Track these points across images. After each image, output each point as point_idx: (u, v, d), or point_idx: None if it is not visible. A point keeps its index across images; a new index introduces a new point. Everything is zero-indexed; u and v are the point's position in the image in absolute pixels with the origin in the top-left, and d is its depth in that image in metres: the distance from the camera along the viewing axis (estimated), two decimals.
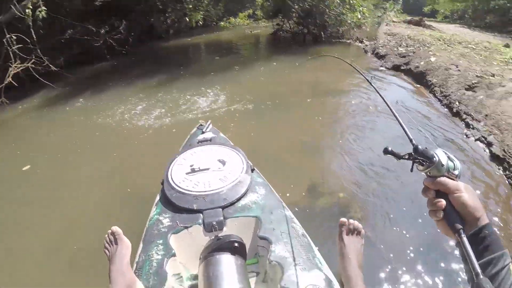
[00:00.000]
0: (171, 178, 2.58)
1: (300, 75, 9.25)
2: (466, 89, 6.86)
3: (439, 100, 7.07)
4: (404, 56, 9.65)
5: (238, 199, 2.42)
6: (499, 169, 4.78)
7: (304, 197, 4.04)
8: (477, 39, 12.44)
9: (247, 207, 2.38)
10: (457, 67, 7.85)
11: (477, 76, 7.21)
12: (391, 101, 6.82)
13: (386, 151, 1.13)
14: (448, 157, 1.12)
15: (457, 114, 6.35)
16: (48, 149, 5.68)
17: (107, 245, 2.10)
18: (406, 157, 1.12)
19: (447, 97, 6.89)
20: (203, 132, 3.41)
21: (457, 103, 6.55)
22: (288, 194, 3.94)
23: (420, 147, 1.09)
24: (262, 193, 2.51)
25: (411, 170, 1.14)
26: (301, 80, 8.79)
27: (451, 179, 1.07)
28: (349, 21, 13.37)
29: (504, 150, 4.97)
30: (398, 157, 1.14)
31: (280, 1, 14.60)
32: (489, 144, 5.24)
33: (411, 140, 1.15)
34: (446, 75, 7.65)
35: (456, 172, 1.10)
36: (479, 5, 23.51)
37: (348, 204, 3.96)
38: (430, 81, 7.84)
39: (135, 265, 2.02)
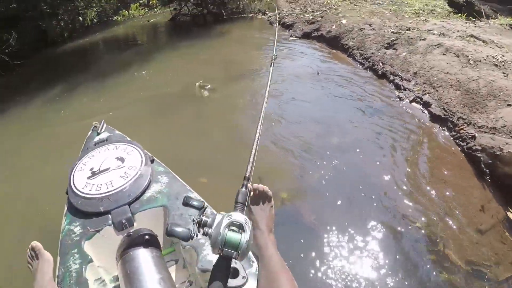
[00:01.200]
0: (74, 186, 2.49)
1: (206, 57, 8.60)
2: (386, 48, 6.48)
3: (360, 63, 6.62)
4: (313, 22, 9.11)
5: (143, 192, 2.42)
6: (443, 130, 4.45)
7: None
8: None
9: (153, 198, 2.40)
10: (371, 26, 7.44)
11: (393, 32, 6.84)
12: (312, 72, 6.35)
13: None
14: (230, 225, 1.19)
15: (383, 76, 5.94)
16: None
17: (29, 260, 2.08)
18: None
19: (369, 59, 6.46)
20: (98, 134, 3.31)
21: (380, 64, 6.13)
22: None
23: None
24: (165, 182, 2.54)
25: None
26: (208, 63, 8.08)
27: None
28: None
29: (444, 109, 4.60)
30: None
31: None
32: (426, 105, 4.87)
33: None
34: (362, 35, 7.22)
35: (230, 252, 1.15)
36: None
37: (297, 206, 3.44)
38: (346, 44, 7.37)
39: (56, 279, 1.96)
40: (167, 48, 10.73)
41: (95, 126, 3.45)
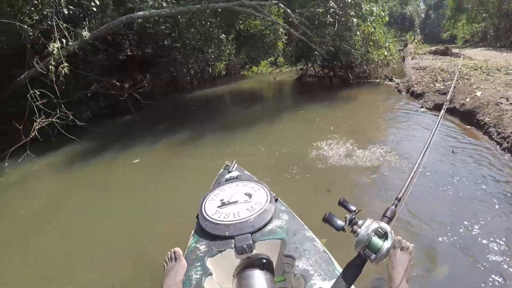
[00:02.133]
0: (205, 212, 2.88)
1: (332, 121, 8.82)
2: None
3: (498, 143, 6.34)
4: (444, 93, 9.03)
5: (265, 225, 2.71)
6: None
7: None
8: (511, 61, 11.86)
9: (273, 231, 2.66)
10: (508, 100, 7.17)
11: None
12: (446, 149, 6.29)
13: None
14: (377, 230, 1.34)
15: None
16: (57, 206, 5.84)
17: (167, 259, 2.45)
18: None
19: (507, 139, 6.18)
20: (229, 172, 3.74)
21: None
22: None
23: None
24: (286, 219, 2.81)
25: None
26: (334, 128, 8.28)
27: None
28: (375, 59, 13.02)
29: None
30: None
31: (303, 45, 14.32)
32: None
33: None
34: (499, 111, 6.95)
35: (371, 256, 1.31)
36: (501, 22, 22.97)
37: None
38: (481, 120, 7.15)
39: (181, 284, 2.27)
40: (292, 108, 11.14)
41: (226, 165, 3.94)
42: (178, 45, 13.54)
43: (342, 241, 3.01)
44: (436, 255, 3.68)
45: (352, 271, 1.41)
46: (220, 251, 2.52)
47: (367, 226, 1.40)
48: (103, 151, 8.29)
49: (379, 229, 1.40)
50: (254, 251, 2.53)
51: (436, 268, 3.50)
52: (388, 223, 1.57)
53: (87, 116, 10.30)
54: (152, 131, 9.46)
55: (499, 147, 6.27)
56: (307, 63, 15.82)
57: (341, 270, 2.08)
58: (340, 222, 1.57)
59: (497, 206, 4.47)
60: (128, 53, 12.86)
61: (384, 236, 1.39)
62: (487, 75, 9.74)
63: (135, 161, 7.41)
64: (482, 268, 3.40)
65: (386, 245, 1.35)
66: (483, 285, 3.19)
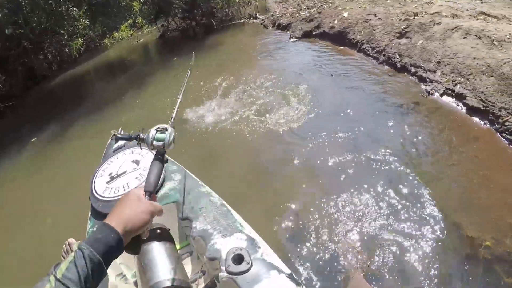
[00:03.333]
0: (95, 191, 2.68)
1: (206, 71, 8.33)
2: (399, 38, 6.17)
3: (374, 57, 6.35)
4: (311, 20, 8.81)
5: (157, 191, 2.46)
6: (484, 123, 4.10)
7: None
8: None
9: (166, 195, 2.54)
10: (376, 16, 7.12)
11: (401, 20, 6.50)
12: (324, 74, 6.06)
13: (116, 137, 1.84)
14: (157, 129, 1.62)
15: (403, 69, 5.66)
16: None
17: (63, 253, 2.26)
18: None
19: (383, 52, 6.17)
20: (116, 141, 3.40)
21: (397, 56, 5.85)
22: None
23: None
24: (178, 179, 2.68)
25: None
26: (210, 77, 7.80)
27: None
28: (236, 0, 12.57)
29: (482, 100, 4.26)
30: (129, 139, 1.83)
31: (159, 0, 13.39)
32: (460, 97, 4.53)
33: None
34: (369, 27, 6.91)
35: (159, 143, 1.59)
36: None
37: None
38: (353, 39, 7.08)
39: None
40: (160, 68, 10.51)
41: (113, 135, 3.55)
42: (23, 31, 11.95)
43: None
44: None
45: (156, 161, 1.58)
46: None
47: (150, 131, 1.62)
48: None
49: (159, 129, 1.62)
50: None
51: None
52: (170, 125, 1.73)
53: None
54: (18, 137, 8.30)
55: (376, 61, 6.30)
56: (167, 18, 14.90)
57: (242, 221, 2.23)
58: (129, 136, 1.82)
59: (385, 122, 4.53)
60: None
61: (165, 129, 1.62)
62: None
63: None
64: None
65: (167, 134, 1.61)
66: None
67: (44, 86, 13.38)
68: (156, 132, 1.61)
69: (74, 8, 13.14)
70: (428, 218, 3.10)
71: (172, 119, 1.83)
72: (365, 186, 3.57)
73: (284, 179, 4.06)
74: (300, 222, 3.38)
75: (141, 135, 1.67)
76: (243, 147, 4.87)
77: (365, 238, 3.06)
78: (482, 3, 6.61)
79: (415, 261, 2.80)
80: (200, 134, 5.46)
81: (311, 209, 3.47)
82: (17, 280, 3.77)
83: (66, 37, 14.41)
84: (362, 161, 3.93)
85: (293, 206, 3.60)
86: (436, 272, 2.70)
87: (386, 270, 2.79)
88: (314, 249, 3.06)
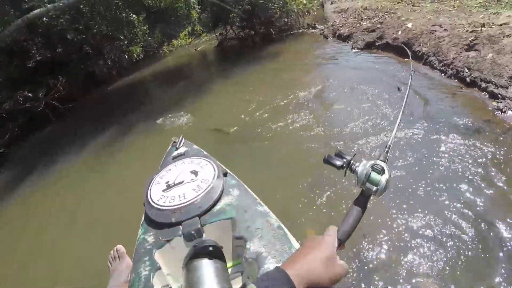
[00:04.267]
0: (150, 198, 2.65)
1: (259, 83, 8.55)
2: (467, 50, 6.07)
3: (441, 71, 6.28)
4: (373, 31, 8.82)
5: (213, 205, 2.49)
6: None
7: None
8: None
9: (222, 210, 2.46)
10: (441, 27, 7.05)
11: (468, 31, 6.42)
12: (391, 88, 6.08)
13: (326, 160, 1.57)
14: (373, 167, 1.41)
15: (473, 84, 5.55)
16: None
17: (111, 259, 2.31)
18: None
19: (450, 66, 6.10)
20: (177, 148, 3.47)
21: (466, 70, 5.74)
22: None
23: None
24: (236, 194, 2.59)
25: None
26: (268, 88, 7.94)
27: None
28: (295, 9, 12.67)
29: None
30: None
31: (217, 9, 13.69)
32: None
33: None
34: (435, 39, 6.84)
35: (371, 187, 1.38)
36: None
37: None
38: (419, 51, 7.03)
39: (127, 284, 2.12)
40: (218, 77, 10.79)
41: (174, 142, 3.61)
42: (85, 36, 12.51)
43: None
44: None
45: (358, 206, 1.43)
46: (168, 241, 2.35)
47: (364, 164, 1.45)
48: (27, 177, 7.43)
49: (375, 165, 1.44)
50: (204, 236, 2.37)
51: None
52: (383, 160, 1.55)
53: (6, 141, 9.33)
54: (76, 137, 8.69)
55: (443, 74, 6.25)
56: (225, 27, 15.21)
57: (297, 246, 2.11)
58: (339, 162, 1.56)
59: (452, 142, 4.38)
60: (38, 58, 11.60)
61: (381, 171, 1.43)
62: (413, 5, 9.56)
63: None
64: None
65: (384, 177, 1.40)
66: None
67: (103, 91, 13.95)
68: (372, 170, 1.43)
69: (134, 15, 13.50)
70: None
71: (387, 158, 1.63)
72: (432, 204, 3.57)
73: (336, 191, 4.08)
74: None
75: (354, 165, 1.50)
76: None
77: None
78: None
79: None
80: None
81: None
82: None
83: (126, 42, 14.79)
84: (431, 177, 3.90)
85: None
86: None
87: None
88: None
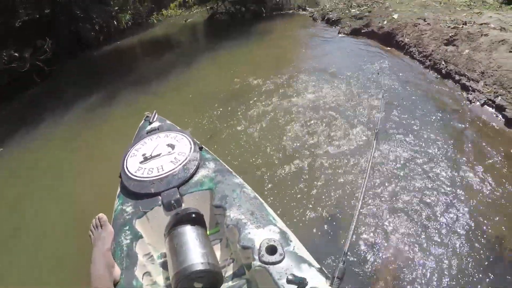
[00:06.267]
0: (127, 170, 2.76)
1: (250, 57, 8.71)
2: (446, 44, 6.39)
3: (420, 61, 6.60)
4: (361, 18, 9.07)
5: (191, 176, 2.65)
6: None
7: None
8: None
9: (200, 182, 2.61)
10: (425, 21, 7.34)
11: (450, 27, 6.73)
12: (371, 72, 6.35)
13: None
14: None
15: (448, 76, 5.89)
16: None
17: (92, 229, 2.28)
18: None
19: (429, 57, 6.43)
20: (150, 123, 3.61)
21: (443, 62, 6.09)
22: None
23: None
24: (212, 167, 2.76)
25: None
26: (255, 63, 8.16)
27: None
28: None
29: None
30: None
31: None
32: (500, 108, 4.73)
33: None
34: (417, 31, 7.14)
35: None
36: None
37: None
38: (401, 41, 7.34)
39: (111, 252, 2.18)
40: (205, 51, 10.70)
41: (147, 116, 3.77)
42: None
43: None
44: None
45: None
46: (148, 211, 2.46)
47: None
48: (12, 135, 7.30)
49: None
50: (183, 205, 2.50)
51: None
52: (339, 285, 1.63)
53: None
54: (61, 101, 8.55)
55: (422, 65, 6.56)
56: (216, 0, 15.19)
57: (274, 214, 2.30)
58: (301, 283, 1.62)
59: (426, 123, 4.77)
60: (25, 18, 11.32)
61: None
62: None
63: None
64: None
65: None
66: None
67: (89, 55, 13.62)
68: None
69: None
70: (463, 224, 3.25)
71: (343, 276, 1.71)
72: (404, 186, 3.80)
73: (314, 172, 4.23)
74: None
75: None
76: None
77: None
78: None
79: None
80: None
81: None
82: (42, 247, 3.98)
83: (116, 8, 14.59)
84: (402, 159, 4.18)
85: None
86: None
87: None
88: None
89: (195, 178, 2.66)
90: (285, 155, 4.58)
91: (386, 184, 3.84)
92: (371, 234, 3.28)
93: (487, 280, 2.74)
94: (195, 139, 3.08)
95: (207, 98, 6.57)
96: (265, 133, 5.14)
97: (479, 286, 2.71)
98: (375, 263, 3.02)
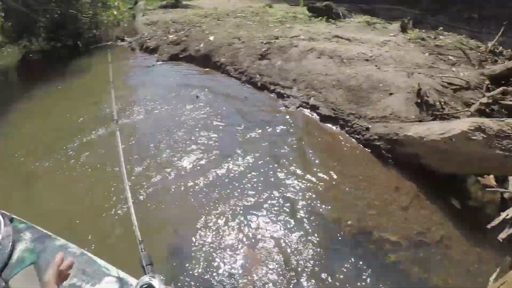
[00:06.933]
0: None
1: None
2: (260, 59, 6.46)
3: (237, 78, 6.50)
4: (178, 43, 8.79)
5: (10, 256, 2.28)
6: (336, 128, 4.72)
7: None
8: (238, 6, 12.47)
9: (21, 259, 2.27)
10: (240, 40, 7.36)
11: (263, 43, 6.83)
12: (191, 99, 5.96)
13: None
14: None
15: (263, 88, 5.91)
16: None
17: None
18: None
19: (245, 73, 6.39)
20: None
21: (258, 76, 6.10)
22: None
23: None
24: (29, 237, 2.44)
25: None
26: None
27: None
28: (105, 21, 12.15)
29: (333, 109, 4.83)
30: None
31: (23, 16, 12.41)
32: (314, 108, 5.04)
33: None
34: (233, 50, 7.11)
35: None
36: None
37: None
38: (218, 61, 7.17)
39: None
40: (19, 99, 9.48)
41: None
42: None
43: None
44: None
45: None
46: None
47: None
48: None
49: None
50: None
51: None
52: (152, 271, 1.57)
53: None
54: None
55: (239, 81, 6.44)
56: (30, 38, 13.90)
57: (107, 264, 2.15)
58: None
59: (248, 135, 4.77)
60: None
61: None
62: (218, 20, 9.90)
63: None
64: None
65: None
66: None
67: None
68: None
69: None
70: (294, 208, 3.54)
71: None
72: (233, 191, 3.81)
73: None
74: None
75: None
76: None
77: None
78: (336, 27, 7.35)
79: (291, 247, 3.17)
80: None
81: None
82: None
83: None
84: (230, 171, 4.11)
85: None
86: (308, 252, 3.13)
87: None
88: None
89: (15, 256, 2.28)
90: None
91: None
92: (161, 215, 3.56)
93: (333, 251, 3.15)
94: (3, 211, 2.60)
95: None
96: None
97: (324, 256, 3.08)
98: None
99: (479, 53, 6.53)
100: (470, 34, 7.80)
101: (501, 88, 4.89)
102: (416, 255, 3.17)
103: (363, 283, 2.92)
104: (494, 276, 2.93)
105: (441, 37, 7.08)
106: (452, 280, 3.07)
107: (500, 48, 6.70)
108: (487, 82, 5.30)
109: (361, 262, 3.06)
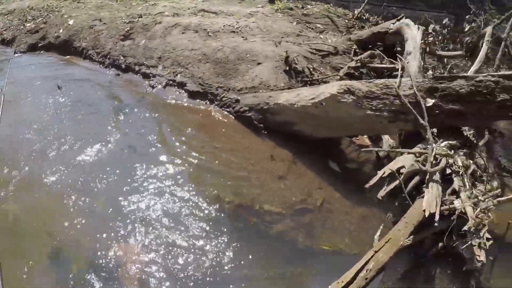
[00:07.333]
0: None
1: None
2: (123, 40, 6.06)
3: (100, 62, 6.04)
4: (36, 31, 7.96)
5: None
6: (206, 103, 4.62)
7: None
8: None
9: None
10: (101, 21, 6.82)
11: (126, 22, 6.43)
12: (52, 89, 5.37)
13: None
14: None
15: (128, 69, 5.59)
16: None
17: None
18: None
19: (108, 56, 5.96)
20: None
21: (121, 57, 5.73)
22: None
23: None
24: None
25: None
26: None
27: None
28: None
29: (200, 84, 4.71)
30: None
31: None
32: (181, 85, 4.87)
33: None
34: (94, 33, 6.56)
35: None
36: None
37: None
38: (79, 47, 6.58)
39: None
40: None
41: None
42: None
43: None
44: None
45: None
46: None
47: None
48: None
49: None
50: None
51: None
52: None
53: None
54: None
55: (102, 65, 6.01)
56: None
57: None
58: None
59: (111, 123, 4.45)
60: None
61: None
62: (78, 2, 9.10)
63: None
64: None
65: None
66: None
67: None
68: None
69: None
70: (169, 194, 3.43)
71: None
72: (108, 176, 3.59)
73: None
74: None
75: None
76: None
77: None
78: (203, 1, 7.23)
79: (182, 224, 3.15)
80: None
81: None
82: None
83: None
84: (99, 161, 3.81)
85: None
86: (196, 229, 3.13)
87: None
88: None
89: None
90: None
91: None
92: None
93: (216, 231, 3.12)
94: None
95: None
96: None
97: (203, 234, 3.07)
98: None
99: (346, 20, 6.73)
100: (337, 3, 8.01)
101: (368, 52, 5.10)
102: (299, 222, 3.25)
103: (252, 257, 2.93)
104: (378, 233, 2.96)
105: (308, 6, 7.17)
106: (338, 242, 3.16)
107: (367, 15, 6.95)
108: (354, 47, 5.49)
109: (246, 237, 3.09)
